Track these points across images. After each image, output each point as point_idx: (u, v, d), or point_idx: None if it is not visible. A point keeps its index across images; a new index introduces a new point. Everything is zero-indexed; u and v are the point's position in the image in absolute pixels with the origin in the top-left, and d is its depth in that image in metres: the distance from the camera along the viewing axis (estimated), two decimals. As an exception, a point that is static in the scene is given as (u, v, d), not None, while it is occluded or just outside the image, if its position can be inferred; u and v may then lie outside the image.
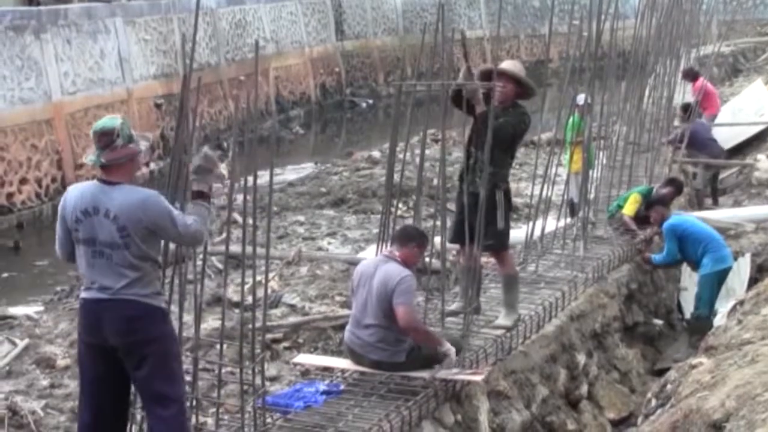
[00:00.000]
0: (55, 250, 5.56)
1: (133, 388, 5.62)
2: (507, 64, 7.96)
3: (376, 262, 7.16)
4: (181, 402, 5.55)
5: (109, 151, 5.33)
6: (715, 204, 14.55)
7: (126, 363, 5.43)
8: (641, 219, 11.14)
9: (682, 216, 10.81)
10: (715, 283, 10.15)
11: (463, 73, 7.49)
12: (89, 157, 5.41)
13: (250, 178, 5.89)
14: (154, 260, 5.46)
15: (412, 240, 7.18)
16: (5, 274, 14.15)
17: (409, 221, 10.20)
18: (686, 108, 15.07)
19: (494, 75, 7.58)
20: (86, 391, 5.54)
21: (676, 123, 15.22)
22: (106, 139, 5.33)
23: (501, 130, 7.61)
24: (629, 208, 11.20)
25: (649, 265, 10.69)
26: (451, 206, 8.16)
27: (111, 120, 5.42)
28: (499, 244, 7.97)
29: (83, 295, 5.49)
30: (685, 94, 16.44)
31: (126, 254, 5.31)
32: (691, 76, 16.74)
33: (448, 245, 8.13)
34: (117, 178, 5.37)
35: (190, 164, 5.65)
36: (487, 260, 8.85)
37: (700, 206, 14.02)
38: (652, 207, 10.84)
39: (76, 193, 5.45)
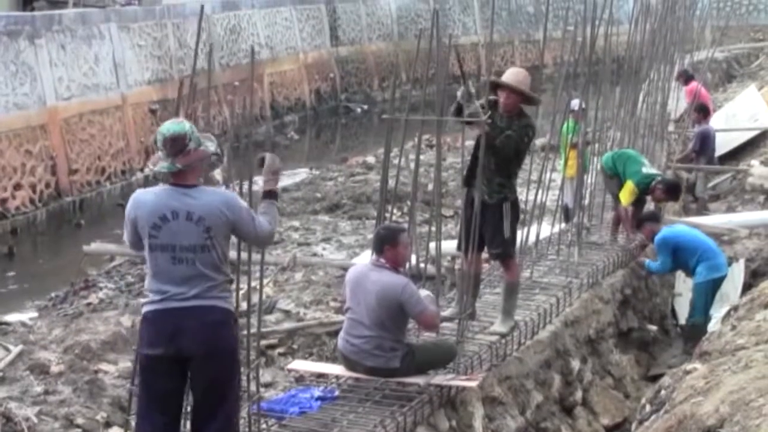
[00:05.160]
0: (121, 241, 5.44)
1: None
2: (508, 76, 7.91)
3: (367, 271, 7.09)
4: (237, 411, 5.56)
5: (183, 156, 5.21)
6: (706, 209, 14.56)
7: (194, 371, 5.31)
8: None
9: (673, 228, 10.75)
10: (709, 291, 10.14)
11: (462, 94, 7.46)
12: (161, 165, 5.23)
13: (245, 184, 5.88)
14: (229, 263, 5.42)
15: (385, 242, 7.04)
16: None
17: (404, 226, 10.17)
18: (701, 109, 15.02)
19: (493, 87, 7.62)
20: (151, 406, 5.35)
21: (670, 128, 15.22)
22: (178, 144, 5.21)
23: (505, 147, 7.68)
24: (626, 198, 10.91)
25: (643, 270, 10.69)
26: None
27: (179, 125, 5.28)
28: (504, 253, 8.10)
29: (152, 307, 5.31)
30: (679, 99, 16.45)
31: (210, 256, 5.24)
32: (684, 78, 16.75)
33: (454, 252, 8.20)
34: (191, 180, 5.29)
35: (260, 164, 5.63)
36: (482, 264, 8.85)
37: (699, 213, 13.97)
38: (642, 224, 10.74)
39: (149, 198, 5.29)
